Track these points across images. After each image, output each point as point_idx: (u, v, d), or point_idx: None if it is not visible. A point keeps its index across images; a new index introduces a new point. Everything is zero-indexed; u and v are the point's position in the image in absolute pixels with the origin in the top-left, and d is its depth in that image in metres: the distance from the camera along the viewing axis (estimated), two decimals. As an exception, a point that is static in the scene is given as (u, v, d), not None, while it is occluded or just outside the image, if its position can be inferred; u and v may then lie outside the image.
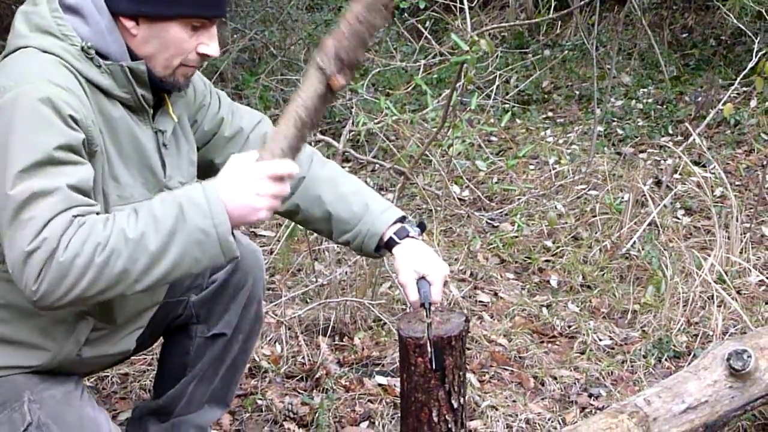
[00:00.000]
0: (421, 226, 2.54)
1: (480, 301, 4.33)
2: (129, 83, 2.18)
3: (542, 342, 4.00)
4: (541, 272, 4.66)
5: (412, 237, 2.48)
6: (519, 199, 5.35)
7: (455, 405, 2.42)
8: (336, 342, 3.89)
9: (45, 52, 2.11)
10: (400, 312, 4.06)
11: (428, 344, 2.32)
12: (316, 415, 3.35)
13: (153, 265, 2.00)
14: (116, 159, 2.19)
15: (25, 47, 2.12)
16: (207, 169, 2.55)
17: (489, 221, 5.18)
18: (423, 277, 2.42)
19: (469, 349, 3.84)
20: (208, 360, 2.74)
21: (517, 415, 3.39)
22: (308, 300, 4.14)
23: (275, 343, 3.81)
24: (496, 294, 4.39)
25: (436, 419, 2.41)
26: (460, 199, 5.42)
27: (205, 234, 2.01)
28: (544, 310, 4.25)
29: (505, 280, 4.56)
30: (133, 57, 2.19)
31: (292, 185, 2.51)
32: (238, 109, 2.60)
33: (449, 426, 2.43)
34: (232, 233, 2.06)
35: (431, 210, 5.03)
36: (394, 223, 2.50)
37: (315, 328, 3.94)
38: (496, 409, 3.42)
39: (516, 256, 4.78)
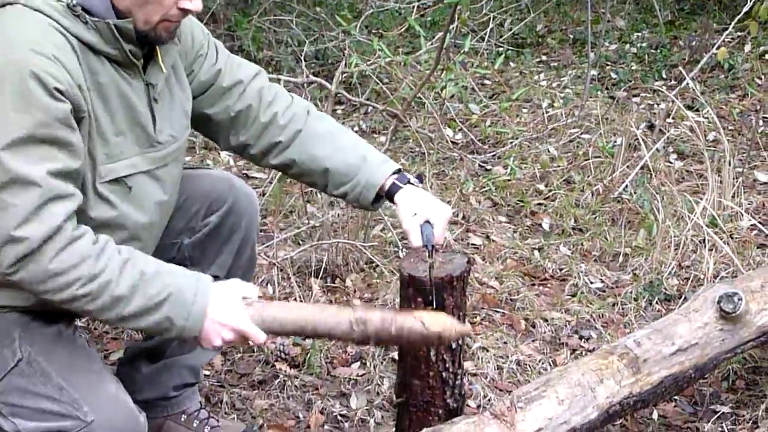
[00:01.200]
0: (419, 178, 2.55)
1: (472, 244, 4.32)
2: (116, 40, 2.14)
3: (533, 285, 4.00)
4: (533, 215, 4.66)
5: (412, 184, 2.49)
6: (512, 142, 5.32)
7: (453, 345, 2.43)
8: (328, 284, 3.89)
9: (33, 9, 2.07)
10: (393, 254, 4.05)
11: (430, 284, 2.32)
12: (308, 355, 3.37)
13: (120, 320, 2.12)
14: (104, 118, 2.17)
15: (13, 3, 2.08)
16: (200, 122, 2.54)
17: (481, 164, 5.15)
18: (426, 221, 2.42)
19: None
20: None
21: (508, 357, 3.40)
22: (300, 242, 4.14)
23: (267, 284, 3.81)
24: (488, 237, 4.38)
25: (433, 358, 2.43)
26: (452, 142, 5.39)
27: (173, 327, 2.13)
28: (536, 253, 4.24)
29: (497, 223, 4.55)
30: (117, 12, 2.16)
31: (287, 139, 2.51)
32: (236, 61, 2.58)
33: (447, 365, 2.45)
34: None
35: (424, 153, 4.99)
36: (392, 174, 2.50)
37: (307, 269, 3.94)
38: (487, 351, 3.43)
39: (508, 200, 4.76)
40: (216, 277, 2.64)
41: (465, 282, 2.39)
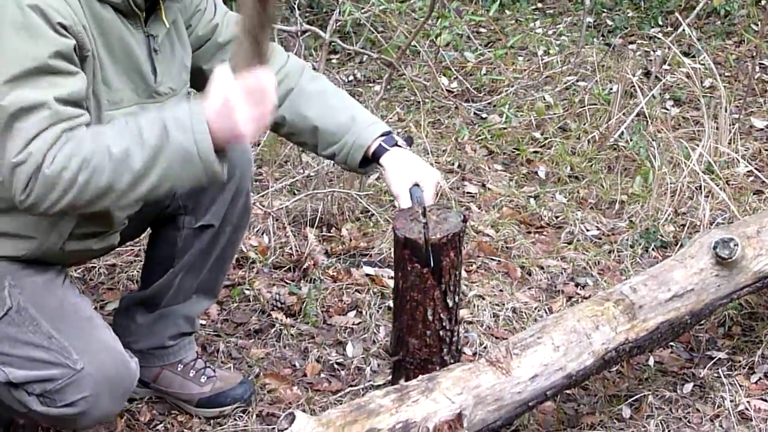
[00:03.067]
0: (408, 140, 2.54)
1: (468, 192, 4.30)
2: None
3: (529, 232, 3.99)
4: (529, 163, 4.63)
5: (400, 146, 2.48)
6: (507, 90, 5.27)
7: (450, 303, 2.42)
8: (323, 233, 3.88)
9: None
10: (388, 203, 4.04)
11: (425, 246, 2.30)
12: (304, 304, 3.36)
13: (137, 183, 2.01)
14: (108, 63, 2.17)
15: None
16: (196, 77, 2.51)
17: (477, 112, 5.12)
18: (415, 184, 2.42)
19: None
20: (195, 251, 2.72)
21: (503, 304, 3.40)
22: (295, 191, 4.12)
23: (262, 234, 3.80)
24: (483, 185, 4.36)
25: (430, 317, 2.42)
26: (448, 91, 5.34)
27: (187, 151, 1.99)
28: (532, 200, 4.23)
29: (493, 171, 4.52)
30: None
31: (279, 97, 2.46)
32: (233, 17, 2.55)
33: (443, 324, 2.44)
34: (219, 153, 2.04)
35: (419, 102, 4.97)
36: (381, 136, 2.49)
37: (302, 219, 3.92)
38: (483, 299, 3.43)
39: (504, 148, 4.73)
40: (211, 226, 2.67)
41: (461, 241, 2.38)
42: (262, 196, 3.94)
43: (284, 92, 2.52)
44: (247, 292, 3.44)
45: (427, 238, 2.30)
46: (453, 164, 4.53)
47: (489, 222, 3.99)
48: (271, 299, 3.40)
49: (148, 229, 2.80)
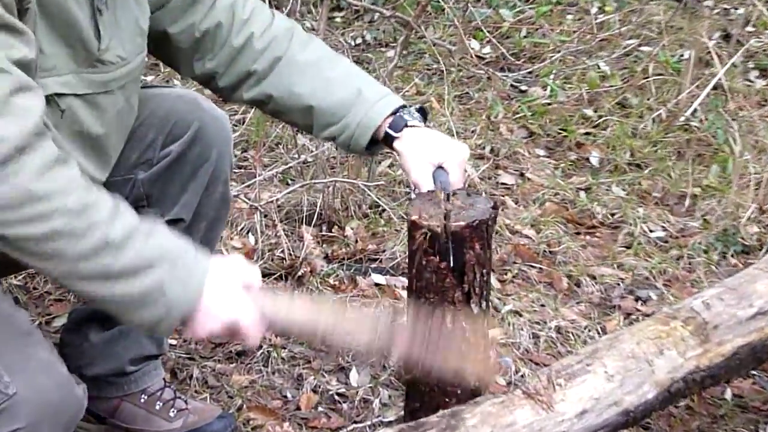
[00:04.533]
0: (422, 112, 2.52)
1: (502, 184, 4.30)
2: None
3: (578, 233, 3.99)
4: (579, 147, 4.63)
5: (412, 126, 2.46)
6: (552, 56, 5.25)
7: (475, 310, 2.37)
8: (323, 232, 3.88)
9: None
10: (403, 197, 4.03)
11: (445, 235, 2.29)
12: None
13: (102, 278, 1.97)
14: (41, 24, 2.12)
15: None
16: (158, 44, 2.50)
17: (515, 84, 5.13)
18: (439, 167, 2.41)
19: None
20: (163, 252, 2.71)
21: (545, 323, 3.39)
22: (289, 181, 4.13)
23: (248, 233, 3.80)
24: (522, 174, 4.36)
25: (450, 326, 2.39)
26: (478, 57, 5.34)
27: (162, 300, 2.00)
28: (582, 194, 4.23)
29: (534, 157, 4.53)
30: None
31: (264, 66, 2.49)
32: None
33: (466, 334, 2.41)
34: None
35: (443, 71, 4.94)
36: (393, 113, 2.47)
37: (297, 215, 3.92)
38: (520, 315, 3.42)
39: (548, 128, 4.74)
40: (181, 221, 2.65)
41: (490, 232, 2.33)
42: (248, 186, 3.93)
43: (270, 62, 2.50)
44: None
45: (448, 227, 2.28)
46: (484, 148, 4.52)
47: (528, 220, 3.99)
48: None
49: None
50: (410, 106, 2.51)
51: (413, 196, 2.47)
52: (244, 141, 4.26)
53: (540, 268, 3.72)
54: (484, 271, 2.36)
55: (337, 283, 3.58)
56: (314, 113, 2.50)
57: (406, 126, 2.45)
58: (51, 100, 2.14)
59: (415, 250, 2.35)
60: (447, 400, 2.42)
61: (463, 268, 2.31)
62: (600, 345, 2.54)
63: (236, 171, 4.23)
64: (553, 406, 2.38)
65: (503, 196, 4.19)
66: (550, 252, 3.82)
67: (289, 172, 4.15)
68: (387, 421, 2.94)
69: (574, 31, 5.60)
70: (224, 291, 2.05)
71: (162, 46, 2.49)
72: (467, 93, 5.04)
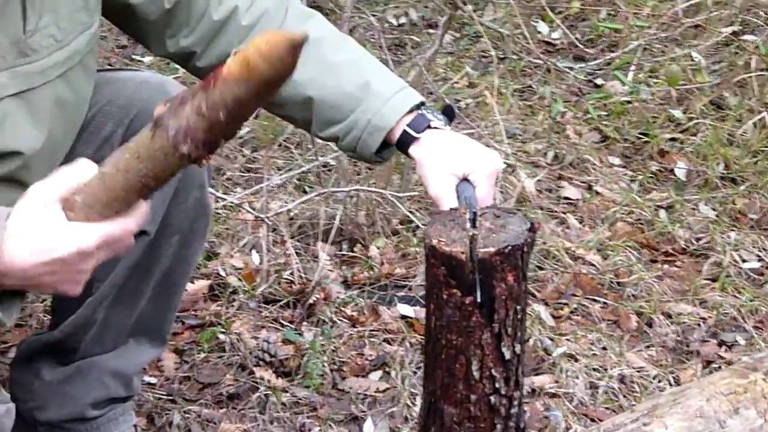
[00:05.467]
0: (447, 113, 2.49)
1: (565, 198, 4.30)
2: None
3: (655, 261, 3.95)
4: (663, 156, 4.61)
5: (435, 128, 2.43)
6: (633, 44, 5.20)
7: (507, 355, 2.31)
8: (342, 252, 3.88)
9: None
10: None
11: (471, 265, 2.25)
12: (305, 359, 3.34)
13: None
14: None
15: None
16: (121, 16, 2.49)
17: (589, 77, 5.12)
18: (464, 179, 2.39)
19: (541, 268, 3.82)
20: (123, 271, 2.68)
21: (606, 370, 3.36)
22: (306, 188, 4.12)
23: (251, 250, 3.80)
24: (590, 187, 4.36)
25: (476, 374, 2.31)
26: (545, 43, 5.37)
27: None
28: (662, 213, 4.20)
29: (607, 166, 4.52)
30: None
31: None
32: None
33: (496, 385, 2.33)
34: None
35: (501, 58, 4.93)
36: (410, 111, 2.44)
37: (312, 229, 3.92)
38: (576, 360, 3.39)
39: (625, 132, 4.73)
40: (143, 233, 2.62)
41: (526, 259, 2.28)
42: (253, 193, 3.94)
43: None
44: (221, 336, 3.43)
45: (474, 255, 2.24)
46: (545, 154, 4.52)
47: (593, 244, 3.97)
48: (257, 349, 3.37)
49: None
50: (431, 105, 2.50)
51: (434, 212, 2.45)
52: (255, 139, 4.24)
53: (604, 303, 3.70)
54: (518, 307, 2.31)
55: (356, 313, 3.57)
56: (314, 107, 2.49)
57: (429, 127, 2.43)
58: None
59: (434, 281, 2.32)
60: (472, 462, 2.43)
61: (493, 303, 2.26)
62: (662, 400, 2.49)
63: (243, 175, 4.24)
64: (599, 474, 2.35)
65: (565, 213, 4.17)
66: (618, 283, 3.80)
67: (306, 177, 4.15)
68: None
69: (661, 14, 5.54)
70: (35, 238, 1.86)
71: (127, 20, 2.47)
72: (530, 87, 5.05)
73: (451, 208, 2.35)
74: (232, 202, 3.91)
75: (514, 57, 5.02)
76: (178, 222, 2.68)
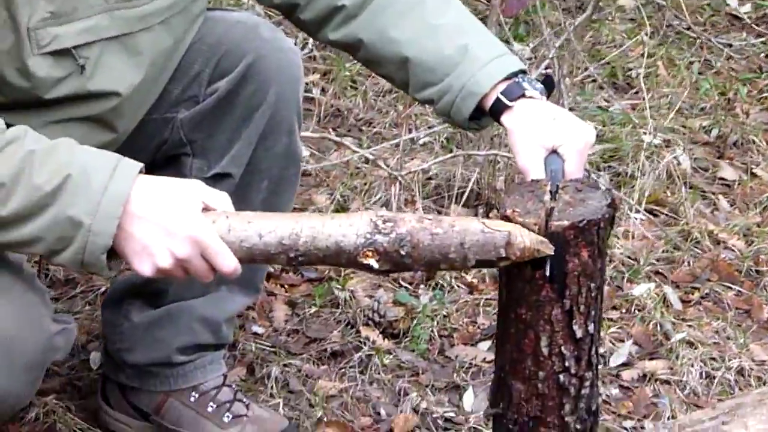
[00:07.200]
0: (547, 83, 2.44)
1: (720, 179, 4.21)
2: None
3: (802, 251, 3.83)
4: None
5: (530, 97, 2.38)
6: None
7: (579, 333, 2.28)
8: (478, 215, 3.80)
9: None
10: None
11: (544, 236, 2.19)
12: (414, 322, 3.31)
13: None
14: None
15: None
16: None
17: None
18: (554, 152, 2.35)
19: (677, 249, 3.72)
20: (213, 213, 2.69)
21: (725, 360, 3.26)
22: (451, 149, 4.07)
23: (382, 206, 3.77)
24: (749, 170, 4.24)
25: (545, 351, 2.28)
26: (732, 16, 5.21)
27: (73, 233, 1.98)
28: (821, 203, 4.07)
29: None
30: None
31: (354, 2, 2.46)
32: None
33: (566, 363, 2.29)
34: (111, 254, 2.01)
35: (683, 32, 4.77)
36: (507, 78, 2.39)
37: (447, 191, 3.89)
38: (695, 347, 3.30)
39: (800, 115, 4.59)
40: (227, 176, 2.63)
41: (603, 236, 2.24)
42: (390, 151, 3.94)
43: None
44: (336, 292, 3.43)
45: (548, 226, 2.17)
46: (710, 132, 4.42)
47: (741, 228, 3.87)
48: (367, 308, 3.36)
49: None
50: (531, 76, 2.45)
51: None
52: (398, 92, 4.19)
53: (739, 291, 3.60)
54: (593, 285, 2.27)
55: (475, 280, 3.54)
56: (410, 67, 2.46)
57: (523, 96, 2.38)
58: (67, 53, 2.18)
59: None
60: (538, 434, 2.43)
61: (565, 279, 2.23)
62: (747, 400, 2.42)
63: (380, 131, 4.20)
64: (665, 472, 2.26)
65: (718, 194, 4.07)
66: (757, 272, 3.69)
67: (454, 137, 4.09)
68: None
69: None
70: (170, 206, 2.01)
71: None
72: (708, 61, 4.89)
73: (533, 180, 2.34)
74: (367, 156, 3.90)
75: (698, 29, 4.88)
76: (268, 167, 2.68)
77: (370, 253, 2.04)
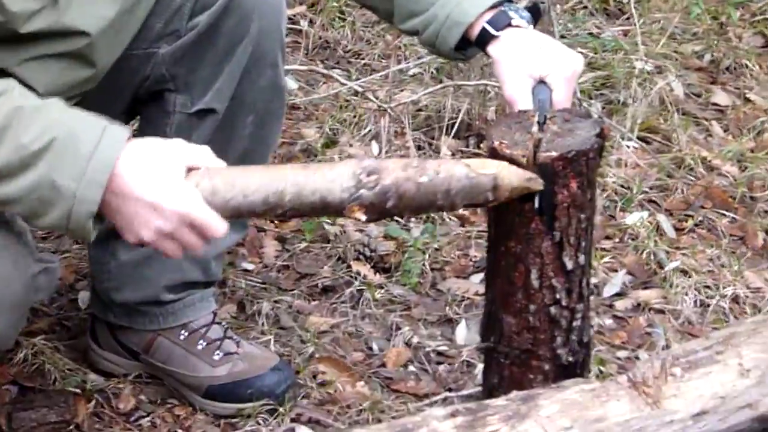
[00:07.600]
0: (534, 11, 2.43)
1: (714, 104, 4.18)
2: None
3: (795, 176, 3.82)
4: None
5: (517, 26, 2.38)
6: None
7: (569, 265, 2.28)
8: (467, 147, 3.83)
9: None
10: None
11: (532, 168, 2.18)
12: (405, 256, 3.30)
13: None
14: None
15: None
16: None
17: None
18: (541, 81, 2.35)
19: (670, 176, 3.71)
20: (196, 147, 2.68)
21: (719, 288, 3.25)
22: (441, 80, 4.05)
23: (371, 140, 3.77)
24: (742, 95, 4.22)
25: (536, 284, 2.30)
26: None
27: (56, 196, 1.99)
28: (818, 126, 4.05)
29: (765, 73, 4.36)
30: None
31: None
32: None
33: (557, 296, 2.30)
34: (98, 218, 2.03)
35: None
36: (493, 7, 2.38)
37: (437, 123, 3.87)
38: (689, 275, 3.29)
39: (791, 35, 4.58)
40: (211, 111, 2.62)
41: (592, 166, 2.23)
42: (377, 83, 3.92)
43: None
44: (327, 227, 3.42)
45: (536, 157, 2.17)
46: (702, 57, 4.40)
47: (734, 154, 3.85)
48: (358, 243, 3.35)
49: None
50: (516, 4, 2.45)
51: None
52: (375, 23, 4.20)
53: (733, 218, 3.60)
54: (583, 216, 2.28)
55: (468, 213, 3.52)
56: None
57: (509, 26, 2.38)
58: None
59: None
60: (531, 376, 2.38)
61: (554, 211, 2.24)
62: (740, 329, 2.35)
63: (369, 63, 4.20)
64: (661, 402, 2.21)
65: (711, 119, 4.05)
66: (751, 198, 3.68)
67: (443, 68, 4.07)
68: (462, 395, 2.85)
69: None
70: (156, 175, 2.01)
71: None
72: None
73: (520, 111, 2.34)
74: (356, 89, 3.88)
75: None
76: (252, 101, 2.66)
77: (356, 208, 2.05)
